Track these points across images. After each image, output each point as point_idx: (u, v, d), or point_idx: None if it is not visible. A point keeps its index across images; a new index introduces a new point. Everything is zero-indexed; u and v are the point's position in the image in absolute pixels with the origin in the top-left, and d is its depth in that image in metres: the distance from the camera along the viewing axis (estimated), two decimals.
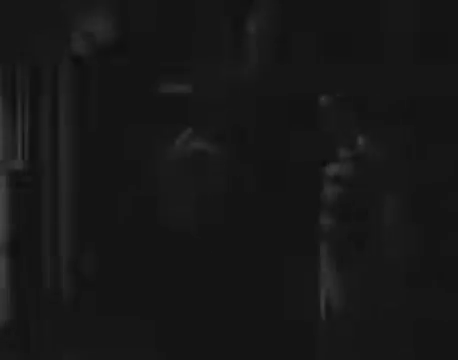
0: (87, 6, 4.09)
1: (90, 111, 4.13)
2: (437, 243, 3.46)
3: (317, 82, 3.64)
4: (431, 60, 3.72)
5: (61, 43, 4.01)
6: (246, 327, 3.86)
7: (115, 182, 4.14)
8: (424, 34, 3.75)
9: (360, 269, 3.00)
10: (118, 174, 4.13)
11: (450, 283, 3.54)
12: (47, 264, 4.04)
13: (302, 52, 3.97)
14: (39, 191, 4.00)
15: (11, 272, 3.93)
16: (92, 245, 4.17)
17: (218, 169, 3.86)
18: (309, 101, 3.43)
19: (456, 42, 3.70)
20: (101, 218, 4.16)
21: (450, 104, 3.69)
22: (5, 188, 3.91)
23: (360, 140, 3.11)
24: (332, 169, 3.15)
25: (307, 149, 3.83)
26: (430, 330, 3.42)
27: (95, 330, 4.00)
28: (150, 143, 4.10)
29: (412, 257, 3.01)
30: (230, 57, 4.13)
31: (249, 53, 4.13)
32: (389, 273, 2.99)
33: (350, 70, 3.73)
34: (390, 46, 3.83)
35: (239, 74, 4.13)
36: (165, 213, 3.99)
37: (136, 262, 4.08)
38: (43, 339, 3.93)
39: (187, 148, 3.79)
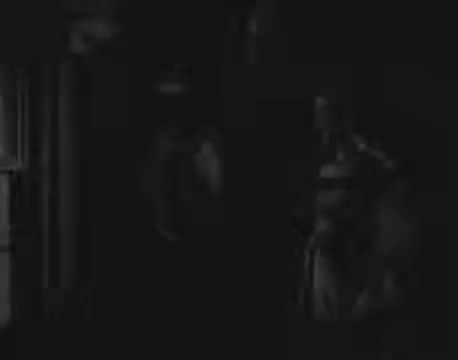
0: (87, 6, 4.08)
1: (90, 111, 4.12)
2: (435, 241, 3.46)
3: (314, 83, 3.64)
4: None
5: (61, 43, 4.00)
6: (243, 327, 3.87)
7: (115, 182, 4.14)
8: None
9: (357, 270, 3.01)
10: (118, 174, 4.13)
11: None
12: (47, 264, 4.04)
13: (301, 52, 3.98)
14: (39, 191, 3.99)
15: (11, 272, 3.93)
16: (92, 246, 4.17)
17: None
18: (306, 102, 3.44)
19: None
20: (101, 218, 4.15)
21: None
22: (5, 188, 3.90)
23: (357, 141, 3.11)
24: (328, 171, 3.15)
25: (303, 151, 3.84)
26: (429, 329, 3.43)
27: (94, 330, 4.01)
28: (150, 143, 4.11)
29: (409, 257, 3.01)
30: (230, 57, 4.14)
31: (249, 53, 4.13)
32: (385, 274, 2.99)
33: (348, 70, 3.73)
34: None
35: (239, 74, 4.13)
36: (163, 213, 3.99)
37: (137, 263, 4.08)
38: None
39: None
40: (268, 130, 4.04)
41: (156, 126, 4.09)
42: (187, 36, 4.11)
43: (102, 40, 4.07)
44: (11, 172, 3.92)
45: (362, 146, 3.11)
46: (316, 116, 3.21)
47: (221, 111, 4.12)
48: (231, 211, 3.98)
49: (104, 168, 4.11)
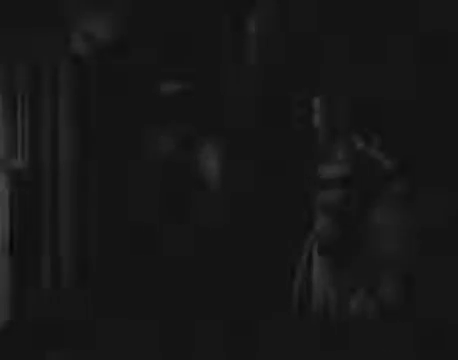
0: (88, 6, 4.09)
1: (90, 111, 4.13)
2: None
3: (313, 82, 3.64)
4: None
5: (61, 43, 4.01)
6: (243, 327, 3.87)
7: (115, 182, 4.14)
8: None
9: (354, 269, 3.01)
10: (118, 174, 4.13)
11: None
12: (47, 264, 4.03)
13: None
14: (39, 191, 3.99)
15: (11, 272, 3.93)
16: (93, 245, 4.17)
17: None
18: (304, 101, 3.44)
19: None
20: (101, 218, 4.16)
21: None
22: (5, 187, 3.91)
23: (356, 141, 3.11)
24: (327, 170, 3.15)
25: (302, 149, 3.84)
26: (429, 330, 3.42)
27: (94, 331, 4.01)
28: (151, 143, 4.11)
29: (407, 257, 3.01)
30: (230, 57, 4.13)
31: (249, 53, 4.13)
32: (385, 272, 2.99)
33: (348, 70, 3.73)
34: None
35: (239, 74, 4.13)
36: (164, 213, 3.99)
37: (137, 262, 4.08)
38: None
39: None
40: (268, 130, 4.04)
41: (156, 126, 4.09)
42: (187, 36, 4.12)
43: (102, 40, 4.07)
44: (11, 172, 3.92)
45: (361, 145, 3.11)
46: (315, 115, 3.21)
47: (221, 111, 4.12)
48: (230, 211, 3.98)
49: (104, 168, 4.11)
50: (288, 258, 3.76)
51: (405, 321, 3.09)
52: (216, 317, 3.88)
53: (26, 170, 3.93)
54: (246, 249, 3.97)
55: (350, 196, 2.99)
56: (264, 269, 3.98)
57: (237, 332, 3.86)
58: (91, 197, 4.12)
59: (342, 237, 3.01)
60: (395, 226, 2.95)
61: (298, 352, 3.50)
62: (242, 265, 3.96)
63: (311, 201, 3.21)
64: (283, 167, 3.95)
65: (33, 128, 3.96)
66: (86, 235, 4.13)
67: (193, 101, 4.08)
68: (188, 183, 3.97)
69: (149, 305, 3.98)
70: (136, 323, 3.97)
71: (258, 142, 4.06)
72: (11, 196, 3.93)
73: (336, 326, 3.00)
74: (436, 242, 3.51)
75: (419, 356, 3.36)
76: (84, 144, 4.10)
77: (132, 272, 4.07)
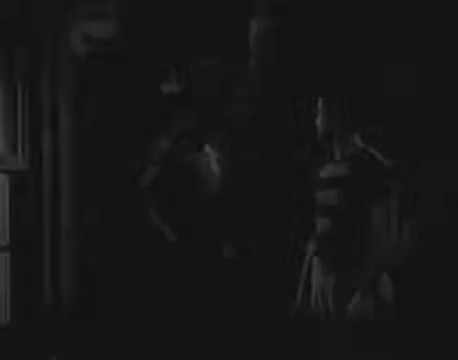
0: (88, 6, 4.10)
1: (90, 111, 4.13)
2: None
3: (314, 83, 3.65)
4: None
5: (61, 43, 4.02)
6: (240, 328, 3.87)
7: (115, 182, 4.15)
8: None
9: (353, 270, 3.00)
10: (118, 174, 4.14)
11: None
12: (47, 264, 4.04)
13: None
14: (39, 191, 4.00)
15: (11, 272, 3.93)
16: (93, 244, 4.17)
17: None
18: (305, 101, 3.44)
19: None
20: (101, 218, 4.16)
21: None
22: (5, 187, 3.91)
23: (356, 140, 3.11)
24: (327, 170, 3.15)
25: (303, 150, 3.84)
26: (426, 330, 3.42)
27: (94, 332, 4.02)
28: (150, 142, 4.11)
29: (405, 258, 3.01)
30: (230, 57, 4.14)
31: (249, 53, 4.14)
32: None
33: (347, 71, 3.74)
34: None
35: (239, 74, 4.14)
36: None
37: (138, 263, 4.08)
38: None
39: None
40: (268, 130, 4.05)
41: (156, 126, 4.10)
42: (187, 36, 4.12)
43: (102, 40, 4.08)
44: (12, 171, 3.92)
45: (361, 145, 3.10)
46: (315, 115, 3.21)
47: (221, 111, 4.13)
48: (230, 211, 3.98)
49: (104, 168, 4.12)
50: (288, 258, 3.76)
51: (404, 320, 3.09)
52: (216, 318, 3.88)
53: (27, 170, 3.93)
54: (245, 249, 3.97)
55: (350, 196, 2.98)
56: (264, 269, 3.98)
57: (237, 332, 3.86)
58: (91, 197, 4.13)
59: (342, 237, 3.00)
60: (395, 226, 2.94)
61: (298, 352, 3.50)
62: (242, 265, 3.96)
63: (311, 201, 3.21)
64: (283, 167, 3.95)
65: (33, 128, 3.97)
66: (86, 235, 4.14)
67: (193, 101, 4.08)
68: (189, 183, 3.97)
69: (149, 306, 3.98)
70: (136, 324, 3.98)
71: (258, 142, 4.07)
72: (11, 196, 3.92)
73: (336, 326, 3.00)
74: (436, 242, 3.51)
75: (419, 356, 3.36)
76: (84, 144, 4.11)
77: (132, 272, 4.07)
